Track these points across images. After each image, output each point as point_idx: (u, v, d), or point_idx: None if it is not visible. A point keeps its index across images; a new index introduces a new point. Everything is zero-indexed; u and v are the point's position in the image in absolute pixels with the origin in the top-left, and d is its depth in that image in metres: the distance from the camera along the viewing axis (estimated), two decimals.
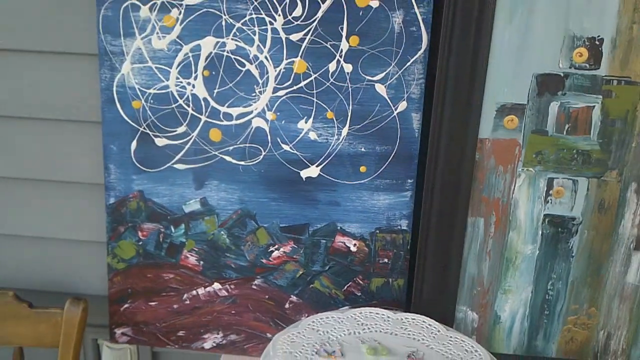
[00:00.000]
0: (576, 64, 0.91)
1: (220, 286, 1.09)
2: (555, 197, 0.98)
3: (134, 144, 1.03)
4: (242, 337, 1.12)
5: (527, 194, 0.98)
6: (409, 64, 0.96)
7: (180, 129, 1.01)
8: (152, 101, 1.00)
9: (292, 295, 1.09)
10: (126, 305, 1.11)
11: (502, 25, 0.90)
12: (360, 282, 1.07)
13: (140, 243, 1.07)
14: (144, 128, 1.01)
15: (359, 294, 1.08)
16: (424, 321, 0.98)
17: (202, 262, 1.08)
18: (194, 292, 1.10)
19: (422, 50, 0.95)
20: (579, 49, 0.90)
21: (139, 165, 1.04)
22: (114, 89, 1.00)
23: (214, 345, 1.12)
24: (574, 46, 0.90)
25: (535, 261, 1.01)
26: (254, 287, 1.09)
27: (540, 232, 1.00)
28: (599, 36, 0.90)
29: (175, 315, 1.11)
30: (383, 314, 0.99)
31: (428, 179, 0.97)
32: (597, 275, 1.01)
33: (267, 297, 1.09)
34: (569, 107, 0.93)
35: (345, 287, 1.08)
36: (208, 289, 1.10)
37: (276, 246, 1.06)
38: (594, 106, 0.93)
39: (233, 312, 1.10)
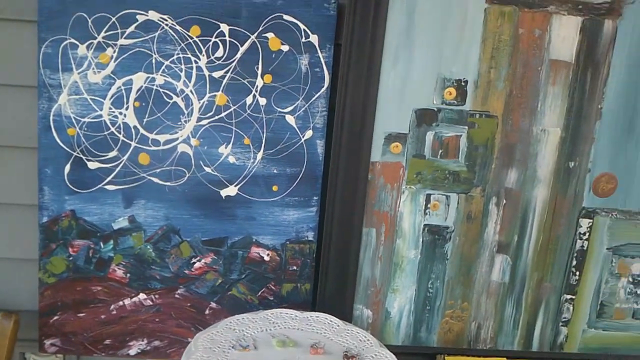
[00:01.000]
0: (447, 101, 1.11)
1: (145, 296, 1.18)
2: (432, 210, 1.16)
3: (67, 168, 1.11)
4: (165, 343, 1.20)
5: (410, 207, 1.15)
6: (314, 98, 1.12)
7: (112, 154, 1.11)
8: (86, 129, 1.09)
9: (212, 302, 1.20)
10: (56, 317, 1.16)
11: (388, 70, 1.08)
12: (273, 287, 1.20)
13: (71, 258, 1.14)
14: (78, 153, 1.10)
15: (272, 298, 1.20)
16: (325, 318, 1.12)
17: (128, 275, 1.16)
18: (121, 303, 1.18)
19: (324, 88, 1.11)
20: (448, 88, 1.10)
21: (71, 187, 1.11)
22: (51, 117, 1.08)
23: (139, 351, 1.20)
24: (444, 86, 1.10)
25: (417, 264, 1.18)
26: (177, 296, 1.19)
27: (421, 240, 1.17)
28: (464, 79, 1.10)
29: (103, 325, 1.18)
30: (291, 314, 1.12)
31: (329, 196, 1.12)
32: (468, 275, 1.20)
33: (189, 304, 1.19)
34: (442, 135, 1.12)
35: (260, 292, 1.20)
36: (134, 299, 1.18)
37: (198, 258, 1.17)
38: (461, 135, 1.12)
39: (157, 320, 1.19)
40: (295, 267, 1.19)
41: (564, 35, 1.09)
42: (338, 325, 1.10)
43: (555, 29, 1.08)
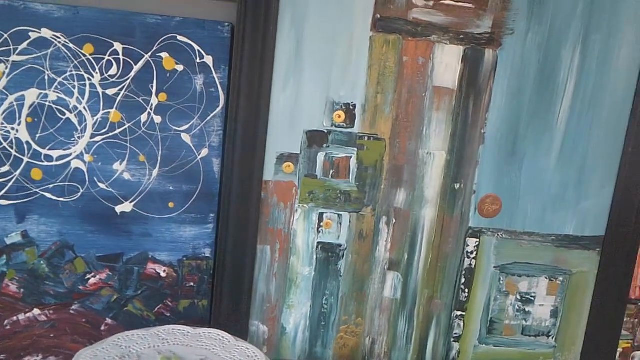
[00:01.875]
0: (336, 124, 1.13)
1: (40, 312, 1.16)
2: (325, 228, 1.18)
3: None
4: (60, 359, 1.18)
5: (303, 225, 1.17)
6: (209, 117, 1.13)
7: (4, 169, 1.10)
8: None
9: (107, 318, 1.18)
10: None
11: (278, 93, 1.10)
12: (170, 304, 1.20)
13: None
14: None
15: (169, 314, 1.20)
16: (218, 334, 1.11)
17: (22, 290, 1.15)
18: (15, 318, 1.16)
19: (220, 107, 1.13)
20: (337, 111, 1.13)
21: None
22: None
23: None
24: (334, 110, 1.13)
25: (312, 281, 1.20)
26: (72, 311, 1.17)
27: (315, 257, 1.19)
28: (352, 103, 1.13)
29: None
30: (183, 330, 1.11)
31: (222, 214, 1.13)
32: (361, 291, 1.21)
33: (84, 320, 1.18)
34: (332, 156, 1.15)
35: (156, 308, 1.19)
36: (28, 314, 1.16)
37: (93, 274, 1.16)
38: (351, 156, 1.15)
39: (52, 335, 1.17)
40: (192, 284, 1.19)
41: (447, 63, 1.13)
42: (229, 342, 1.10)
43: (438, 57, 1.13)
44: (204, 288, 1.19)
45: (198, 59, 1.10)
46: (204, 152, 1.14)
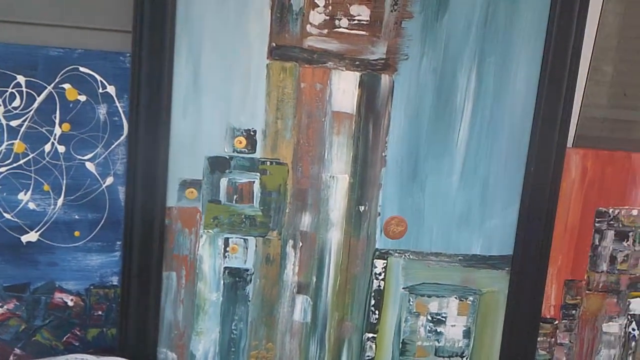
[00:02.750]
0: (237, 149, 1.15)
1: None
2: (232, 253, 1.18)
3: None
4: None
5: (209, 251, 1.17)
6: (113, 146, 1.14)
7: None
8: None
9: (15, 349, 1.16)
10: None
11: (178, 119, 1.11)
12: (78, 333, 1.18)
13: None
14: None
15: (77, 343, 1.18)
16: None
17: None
18: None
19: (123, 136, 1.13)
20: (238, 137, 1.14)
21: None
22: None
23: None
24: (234, 135, 1.14)
25: (220, 306, 1.19)
26: None
27: (222, 282, 1.18)
28: (253, 128, 1.14)
29: None
30: (86, 359, 1.11)
31: (126, 242, 1.12)
32: (270, 316, 1.21)
33: None
34: (235, 182, 1.16)
35: (65, 338, 1.18)
36: None
37: (0, 304, 1.15)
38: (254, 181, 1.16)
39: None
40: (100, 312, 1.18)
41: (344, 88, 1.15)
42: None
43: (335, 83, 1.15)
44: (113, 316, 1.17)
45: (101, 89, 1.12)
46: (109, 180, 1.14)
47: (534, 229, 1.25)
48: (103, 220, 1.15)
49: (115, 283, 1.17)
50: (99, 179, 1.14)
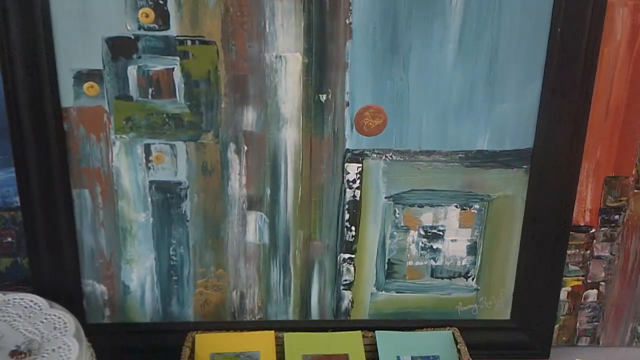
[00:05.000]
0: (145, 25, 0.82)
1: None
2: (157, 163, 0.89)
3: None
4: None
5: (126, 161, 0.89)
6: None
7: None
8: None
9: None
10: None
11: None
12: None
13: None
14: None
15: None
16: (31, 300, 0.88)
17: None
18: None
19: None
20: (143, 9, 0.81)
21: None
22: None
23: None
24: (138, 7, 0.81)
25: (151, 228, 0.93)
26: None
27: (149, 199, 0.91)
28: None
29: None
30: None
31: (16, 154, 0.86)
32: (217, 238, 0.94)
33: None
34: (148, 70, 0.84)
35: None
36: None
37: None
38: (173, 68, 0.84)
39: None
40: (10, 239, 0.94)
41: None
42: (40, 309, 0.86)
43: None
44: (25, 243, 0.94)
45: None
46: None
47: (563, 112, 0.89)
48: None
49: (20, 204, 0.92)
50: None
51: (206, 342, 0.94)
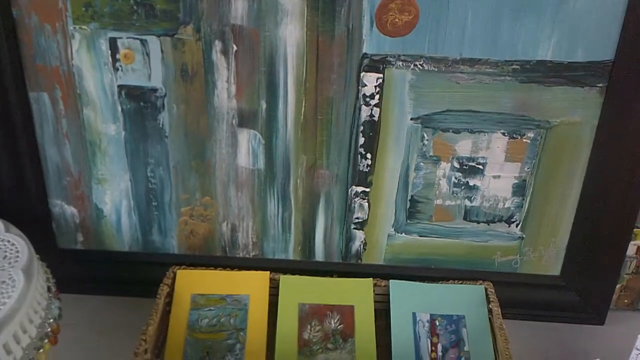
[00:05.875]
0: None
1: None
2: (125, 63, 0.71)
3: None
4: None
5: (89, 59, 0.71)
6: None
7: None
8: None
9: None
10: None
11: None
12: None
13: None
14: None
15: None
16: None
17: None
18: None
19: None
20: None
21: None
22: None
23: None
24: None
25: (124, 144, 0.76)
26: None
27: (119, 108, 0.74)
28: None
29: None
30: None
31: None
32: (202, 159, 0.77)
33: None
34: None
35: None
36: None
37: None
38: None
39: None
40: None
41: None
42: None
43: None
44: None
45: None
46: None
47: None
48: None
49: None
50: None
51: (188, 280, 0.79)
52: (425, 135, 0.74)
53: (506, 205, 0.78)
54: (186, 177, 0.78)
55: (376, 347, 0.75)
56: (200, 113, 0.74)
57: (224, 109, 0.73)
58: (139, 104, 0.73)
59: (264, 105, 0.73)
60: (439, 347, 0.76)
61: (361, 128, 0.74)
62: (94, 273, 0.83)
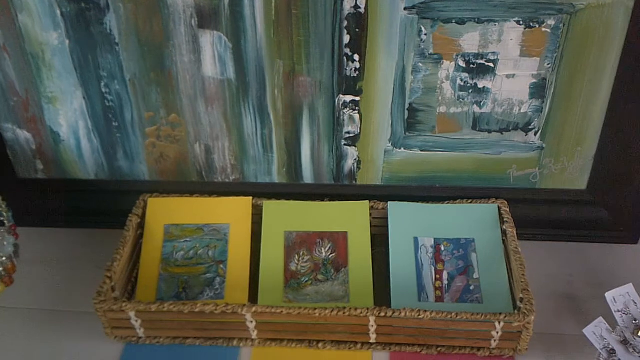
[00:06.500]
0: None
1: None
2: None
3: None
4: None
5: None
6: None
7: None
8: None
9: None
10: None
11: None
12: None
13: None
14: None
15: None
16: None
17: None
18: None
19: None
20: None
21: None
22: None
23: None
24: None
25: (69, 54, 0.65)
26: None
27: (58, 11, 0.63)
28: None
29: None
30: None
31: None
32: (161, 70, 0.65)
33: None
34: None
35: None
36: None
37: None
38: None
39: None
40: None
41: None
42: None
43: None
44: None
45: None
46: None
47: None
48: None
49: None
50: None
51: (160, 209, 0.70)
52: (423, 29, 0.61)
53: (522, 110, 0.66)
54: (146, 92, 0.67)
55: (373, 278, 0.66)
56: (153, 13, 0.61)
57: (180, 7, 0.61)
58: (79, 4, 0.61)
59: (226, 1, 0.60)
60: (445, 274, 0.66)
61: (345, 23, 0.61)
62: (57, 204, 0.74)
